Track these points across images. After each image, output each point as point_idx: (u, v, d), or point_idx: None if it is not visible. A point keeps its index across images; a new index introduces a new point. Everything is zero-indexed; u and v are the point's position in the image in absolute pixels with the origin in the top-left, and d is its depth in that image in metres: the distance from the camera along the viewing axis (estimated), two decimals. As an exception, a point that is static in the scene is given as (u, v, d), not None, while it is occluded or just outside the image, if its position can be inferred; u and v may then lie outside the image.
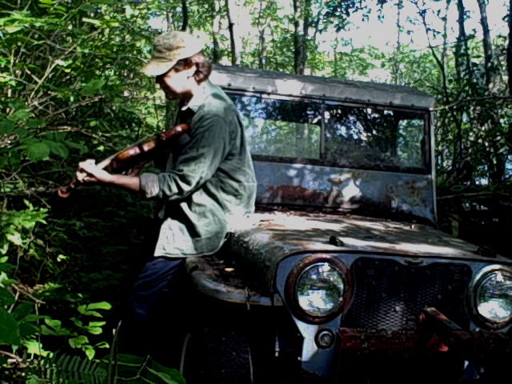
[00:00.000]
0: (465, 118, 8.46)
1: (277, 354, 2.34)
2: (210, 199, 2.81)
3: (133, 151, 2.76)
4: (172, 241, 2.78)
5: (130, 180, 2.75)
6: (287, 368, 2.40)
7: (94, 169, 2.67)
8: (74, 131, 4.39)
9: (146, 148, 2.78)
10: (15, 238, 3.37)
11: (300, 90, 3.52)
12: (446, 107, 7.17)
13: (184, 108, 2.87)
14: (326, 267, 2.35)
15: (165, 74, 2.74)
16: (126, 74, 8.25)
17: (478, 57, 10.14)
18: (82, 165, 2.67)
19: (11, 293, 2.17)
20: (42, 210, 3.56)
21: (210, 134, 2.69)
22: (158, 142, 2.79)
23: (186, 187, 2.69)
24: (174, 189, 2.68)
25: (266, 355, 2.39)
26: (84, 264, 4.56)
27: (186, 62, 2.74)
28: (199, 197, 2.79)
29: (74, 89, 3.93)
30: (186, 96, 2.85)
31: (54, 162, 5.08)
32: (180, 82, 2.78)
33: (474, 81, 8.11)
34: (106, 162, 2.73)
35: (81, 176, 2.67)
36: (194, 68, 2.77)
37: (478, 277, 2.49)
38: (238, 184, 2.87)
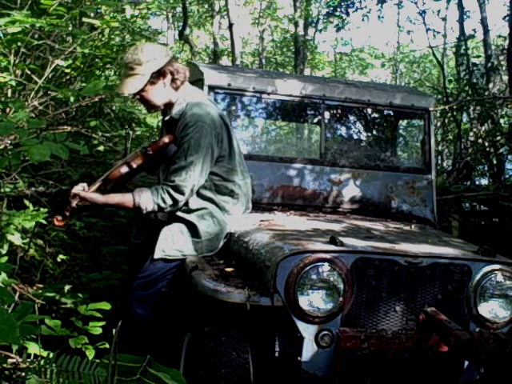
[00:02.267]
0: (465, 118, 8.46)
1: (277, 354, 2.34)
2: (208, 203, 2.81)
3: (122, 170, 2.76)
4: (172, 242, 2.78)
5: (123, 198, 2.72)
6: (287, 368, 2.40)
7: (86, 193, 2.67)
8: (74, 131, 4.39)
9: (134, 165, 2.77)
10: (15, 238, 3.37)
11: (300, 90, 3.52)
12: (446, 107, 7.17)
13: (167, 118, 2.86)
14: (325, 267, 2.35)
15: (142, 90, 2.72)
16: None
17: (478, 57, 10.13)
18: (74, 190, 2.67)
19: (11, 293, 2.17)
20: (41, 209, 3.56)
21: (196, 142, 2.67)
22: (146, 157, 2.78)
23: (179, 197, 2.69)
24: (169, 200, 2.68)
25: (266, 355, 2.39)
26: (84, 264, 4.56)
27: (159, 73, 2.72)
28: (196, 202, 2.79)
29: (74, 89, 3.94)
30: (167, 105, 2.84)
31: (54, 162, 5.09)
32: (158, 93, 2.76)
33: (474, 81, 8.11)
34: (97, 184, 2.74)
35: (74, 202, 2.67)
36: (169, 77, 2.75)
37: (478, 277, 2.49)
38: (232, 184, 2.86)
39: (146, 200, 2.66)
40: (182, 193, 2.68)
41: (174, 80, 2.76)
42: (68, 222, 2.76)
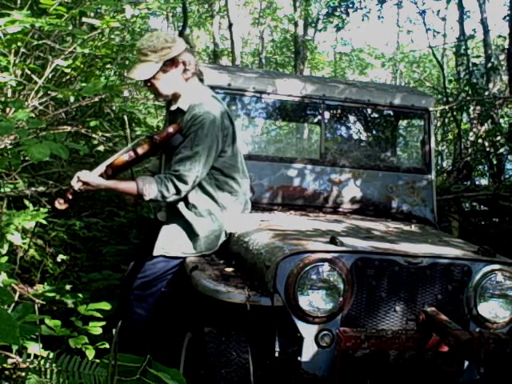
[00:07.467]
0: (465, 118, 8.46)
1: (277, 354, 2.34)
2: (207, 198, 2.81)
3: (127, 157, 2.75)
4: (171, 240, 2.78)
5: (127, 184, 2.73)
6: (287, 368, 2.40)
7: (89, 177, 2.66)
8: (74, 131, 4.39)
9: (140, 151, 2.77)
10: (15, 238, 3.37)
11: (300, 90, 3.52)
12: (446, 107, 7.18)
13: (173, 107, 2.86)
14: (326, 267, 2.35)
15: (153, 77, 2.73)
16: (126, 74, 8.23)
17: (478, 57, 10.12)
18: (78, 174, 2.67)
19: (11, 293, 2.17)
20: (41, 209, 3.56)
21: (203, 133, 2.68)
22: (152, 145, 2.78)
23: (183, 187, 2.69)
24: (172, 189, 2.68)
25: (266, 355, 2.38)
26: (84, 264, 4.56)
27: (172, 62, 2.73)
28: (195, 196, 2.79)
29: (74, 89, 3.94)
30: (174, 95, 2.85)
31: (54, 162, 5.08)
32: (169, 82, 2.77)
33: (474, 81, 8.11)
34: (101, 169, 2.72)
35: (77, 186, 2.66)
36: (181, 67, 2.76)
37: (477, 277, 2.49)
38: (232, 181, 2.87)
39: (150, 187, 2.66)
40: (185, 182, 2.68)
41: (185, 71, 2.78)
42: (72, 202, 2.71)
